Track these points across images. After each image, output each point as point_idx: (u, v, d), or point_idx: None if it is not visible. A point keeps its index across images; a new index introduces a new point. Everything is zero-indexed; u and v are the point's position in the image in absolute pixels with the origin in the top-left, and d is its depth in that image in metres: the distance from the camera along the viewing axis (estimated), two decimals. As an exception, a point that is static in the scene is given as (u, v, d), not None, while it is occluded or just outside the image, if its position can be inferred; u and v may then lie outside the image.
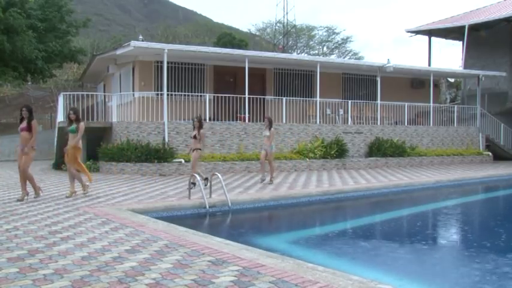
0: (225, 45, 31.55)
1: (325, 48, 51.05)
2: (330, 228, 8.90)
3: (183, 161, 14.66)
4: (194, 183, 10.58)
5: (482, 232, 8.74)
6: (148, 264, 4.60)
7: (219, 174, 9.37)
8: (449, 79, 33.56)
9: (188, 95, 16.95)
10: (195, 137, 11.07)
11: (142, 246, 5.37)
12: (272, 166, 12.38)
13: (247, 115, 16.99)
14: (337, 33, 50.53)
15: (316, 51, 50.03)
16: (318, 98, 18.24)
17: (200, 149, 11.18)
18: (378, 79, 19.66)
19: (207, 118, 16.49)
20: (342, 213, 10.76)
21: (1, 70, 23.28)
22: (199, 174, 10.92)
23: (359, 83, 21.36)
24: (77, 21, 27.85)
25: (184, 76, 17.65)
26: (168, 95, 15.79)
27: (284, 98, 18.00)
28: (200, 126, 11.01)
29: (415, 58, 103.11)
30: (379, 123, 19.79)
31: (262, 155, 12.38)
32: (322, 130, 18.07)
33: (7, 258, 4.82)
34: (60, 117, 16.62)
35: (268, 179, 12.22)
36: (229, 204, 9.01)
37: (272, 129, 12.27)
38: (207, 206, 8.78)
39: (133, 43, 15.35)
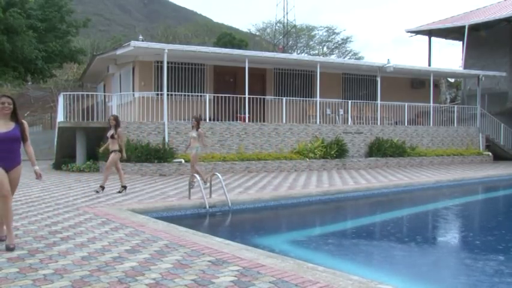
0: (225, 45, 31.54)
1: (325, 48, 51.05)
2: (330, 228, 8.90)
3: (183, 161, 14.67)
4: (125, 187, 10.20)
5: (482, 232, 8.73)
6: (148, 264, 4.60)
7: (218, 174, 9.37)
8: (449, 79, 33.56)
9: (188, 95, 16.95)
10: (112, 136, 10.35)
11: (142, 246, 5.37)
12: (199, 169, 11.34)
13: (247, 115, 16.99)
14: (337, 33, 50.54)
15: (316, 51, 50.01)
16: (318, 98, 18.24)
17: (117, 151, 10.36)
18: (378, 79, 19.66)
19: (207, 118, 16.50)
20: (342, 214, 10.75)
21: (1, 70, 23.27)
22: (105, 179, 10.42)
23: (359, 83, 21.36)
24: (77, 21, 27.81)
25: (184, 76, 17.65)
26: (168, 95, 15.80)
27: (284, 98, 18.01)
28: (117, 125, 10.38)
29: (415, 58, 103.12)
30: (379, 123, 19.79)
31: (192, 156, 11.38)
32: (322, 130, 18.07)
33: (7, 258, 4.82)
34: (60, 117, 16.62)
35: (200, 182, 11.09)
36: (229, 204, 9.01)
37: (200, 129, 11.31)
38: (207, 206, 8.79)
39: (133, 43, 15.35)
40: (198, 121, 11.33)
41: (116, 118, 10.48)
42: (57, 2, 26.01)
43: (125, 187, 10.29)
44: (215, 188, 10.14)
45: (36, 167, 5.66)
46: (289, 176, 14.18)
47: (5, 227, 5.44)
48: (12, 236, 5.28)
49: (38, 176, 5.68)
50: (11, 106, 5.30)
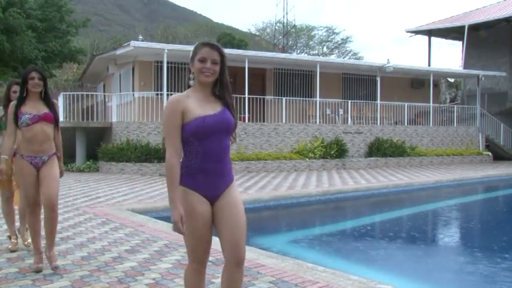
0: (225, 45, 31.43)
1: (325, 48, 51.05)
2: (329, 228, 8.90)
3: (183, 161, 14.65)
4: None
5: (482, 232, 8.73)
6: (148, 264, 4.60)
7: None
8: (449, 79, 33.56)
9: (188, 95, 16.93)
10: None
11: (142, 246, 5.37)
12: None
13: (247, 115, 16.99)
14: (337, 33, 50.55)
15: (316, 51, 50.02)
16: (317, 98, 18.24)
17: None
18: (378, 79, 19.66)
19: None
20: (342, 213, 10.76)
21: (1, 70, 23.27)
22: None
23: (359, 83, 21.35)
24: (77, 21, 27.83)
25: (184, 76, 17.63)
26: (168, 95, 15.79)
27: (284, 98, 18.00)
28: None
29: (415, 58, 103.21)
30: (379, 123, 19.79)
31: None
32: (322, 130, 18.06)
33: (7, 258, 4.81)
34: (60, 117, 16.59)
35: None
36: (229, 204, 8.97)
37: None
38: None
39: (133, 43, 15.35)
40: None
41: None
42: (56, 1, 26.01)
43: None
44: (215, 188, 10.11)
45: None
46: (289, 176, 14.17)
47: None
48: None
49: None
50: (217, 74, 2.69)
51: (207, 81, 2.67)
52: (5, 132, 4.65)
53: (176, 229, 2.57)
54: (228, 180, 2.74)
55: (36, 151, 4.42)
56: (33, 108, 4.41)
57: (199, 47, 2.70)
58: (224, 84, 2.74)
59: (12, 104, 4.49)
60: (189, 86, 2.75)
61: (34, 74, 4.40)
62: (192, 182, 2.63)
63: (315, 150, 16.84)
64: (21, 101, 4.41)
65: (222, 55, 2.70)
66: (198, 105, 2.64)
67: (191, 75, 2.74)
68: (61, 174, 4.71)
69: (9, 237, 5.26)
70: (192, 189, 2.63)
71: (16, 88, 4.80)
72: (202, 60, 2.64)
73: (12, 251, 5.05)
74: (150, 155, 14.44)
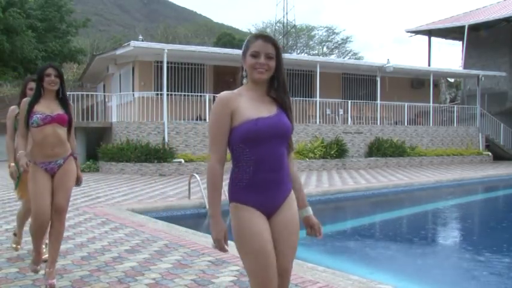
0: (225, 45, 31.55)
1: (325, 48, 51.06)
2: (329, 228, 8.89)
3: (182, 161, 14.67)
4: None
5: (482, 232, 8.74)
6: (148, 264, 4.60)
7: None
8: (449, 79, 33.56)
9: (188, 95, 16.94)
10: None
11: (142, 246, 5.37)
12: None
13: (247, 115, 16.97)
14: (337, 33, 50.57)
15: (316, 51, 50.03)
16: (317, 98, 18.24)
17: None
18: (378, 79, 19.66)
19: (207, 118, 16.49)
20: (342, 213, 10.76)
21: (1, 70, 23.30)
22: None
23: (359, 83, 21.36)
24: (77, 21, 27.92)
25: (184, 76, 17.65)
26: (168, 95, 15.79)
27: (284, 98, 17.97)
28: None
29: (415, 58, 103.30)
30: (379, 123, 19.79)
31: None
32: (322, 130, 18.06)
33: (7, 258, 4.81)
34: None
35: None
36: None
37: None
38: (207, 206, 8.77)
39: (133, 43, 15.35)
40: None
41: None
42: (56, 1, 26.07)
43: None
44: (215, 188, 10.09)
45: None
46: (289, 176, 14.15)
47: None
48: None
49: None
50: (272, 70, 2.40)
51: (261, 78, 2.36)
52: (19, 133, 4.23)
53: (219, 246, 2.27)
54: (286, 189, 2.40)
55: (49, 155, 4.02)
56: (47, 107, 4.04)
57: (251, 40, 2.39)
58: (280, 83, 2.43)
59: (26, 100, 4.11)
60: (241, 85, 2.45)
61: (50, 71, 4.04)
62: (245, 196, 2.28)
63: (315, 150, 16.84)
64: (36, 99, 4.05)
65: (277, 48, 2.37)
66: (251, 105, 2.32)
67: (244, 73, 2.43)
68: (79, 182, 4.30)
69: (15, 234, 5.25)
70: (245, 204, 2.27)
71: (32, 85, 4.50)
72: (255, 55, 2.33)
73: (15, 250, 5.06)
74: (150, 155, 14.45)
